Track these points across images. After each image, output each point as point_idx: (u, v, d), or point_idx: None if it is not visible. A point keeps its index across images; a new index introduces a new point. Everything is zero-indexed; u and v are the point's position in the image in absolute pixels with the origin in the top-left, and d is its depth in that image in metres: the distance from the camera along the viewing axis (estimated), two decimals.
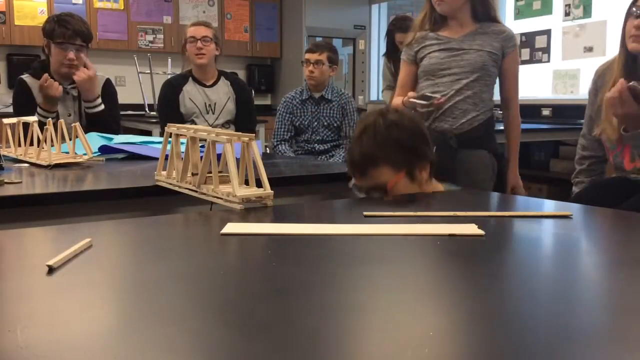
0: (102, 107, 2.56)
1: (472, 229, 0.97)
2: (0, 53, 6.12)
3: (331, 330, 0.57)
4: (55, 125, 1.92)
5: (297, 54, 6.77)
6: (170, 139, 1.36)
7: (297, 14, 7.15)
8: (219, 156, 1.20)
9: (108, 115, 2.58)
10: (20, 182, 1.56)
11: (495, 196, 1.61)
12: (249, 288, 0.71)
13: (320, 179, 1.85)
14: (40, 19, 5.57)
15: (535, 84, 5.19)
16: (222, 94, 3.02)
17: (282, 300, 0.66)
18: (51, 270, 0.74)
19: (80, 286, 0.71)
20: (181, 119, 2.93)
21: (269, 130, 4.15)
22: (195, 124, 2.93)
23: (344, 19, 7.28)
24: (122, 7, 6.52)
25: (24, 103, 2.53)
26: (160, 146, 1.57)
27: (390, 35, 4.11)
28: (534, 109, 5.03)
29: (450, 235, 0.94)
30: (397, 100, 2.33)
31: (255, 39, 7.29)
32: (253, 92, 3.96)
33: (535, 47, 5.32)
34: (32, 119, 1.98)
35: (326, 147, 3.33)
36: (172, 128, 1.36)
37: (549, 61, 5.24)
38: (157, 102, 3.40)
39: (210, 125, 2.93)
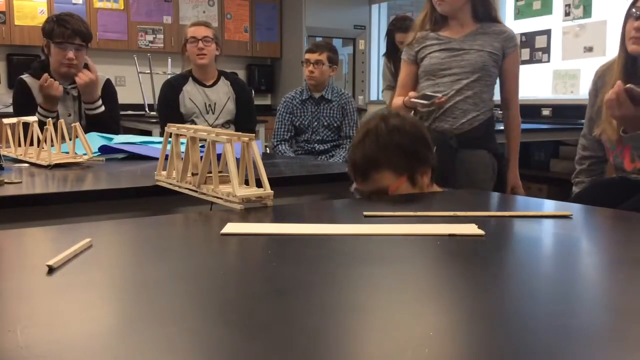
0: (103, 108, 2.56)
1: (472, 229, 0.97)
2: (0, 53, 6.12)
3: (331, 330, 0.57)
4: (55, 125, 1.92)
5: (297, 54, 6.77)
6: (170, 139, 1.36)
7: (297, 14, 7.15)
8: (219, 156, 1.20)
9: (108, 117, 2.58)
10: (20, 182, 1.56)
11: (495, 196, 1.61)
12: (249, 288, 0.71)
13: (320, 179, 1.85)
14: (40, 19, 5.57)
15: (535, 84, 5.19)
16: (222, 94, 3.02)
17: (282, 300, 0.66)
18: (51, 270, 0.74)
19: (80, 286, 0.71)
20: (181, 119, 2.93)
21: (269, 130, 4.15)
22: (195, 124, 2.93)
23: (344, 19, 7.28)
24: (122, 7, 6.52)
25: (24, 103, 2.53)
26: (160, 146, 1.57)
27: (390, 35, 4.11)
28: (534, 109, 5.03)
29: (450, 235, 0.94)
30: (398, 100, 2.33)
31: (255, 39, 7.30)
32: (253, 92, 3.96)
33: (535, 47, 5.32)
34: (32, 119, 1.98)
35: (326, 147, 3.33)
36: (172, 128, 1.36)
37: (549, 61, 5.24)
38: (157, 102, 3.40)
39: (210, 125, 2.93)
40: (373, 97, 7.50)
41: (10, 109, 2.97)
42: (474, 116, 2.26)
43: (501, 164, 2.35)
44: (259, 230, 0.98)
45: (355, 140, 1.49)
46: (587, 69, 4.81)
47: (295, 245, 0.90)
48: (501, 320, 0.61)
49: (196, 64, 2.96)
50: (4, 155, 1.83)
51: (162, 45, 6.74)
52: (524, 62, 5.19)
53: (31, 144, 1.94)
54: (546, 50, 5.25)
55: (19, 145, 2.05)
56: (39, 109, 2.47)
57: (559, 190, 4.47)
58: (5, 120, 2.15)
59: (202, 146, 1.30)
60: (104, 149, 2.07)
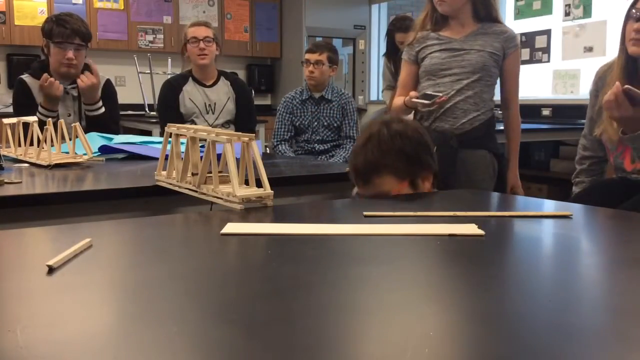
0: (103, 109, 2.56)
1: (472, 229, 0.97)
2: (0, 53, 6.12)
3: (331, 330, 0.57)
4: (55, 125, 1.92)
5: (297, 54, 6.77)
6: (170, 139, 1.36)
7: (297, 14, 7.15)
8: (219, 156, 1.20)
9: (108, 117, 2.58)
10: (20, 182, 1.56)
11: (495, 196, 1.61)
12: (249, 288, 0.71)
13: (320, 179, 1.85)
14: (40, 19, 5.56)
15: (535, 84, 5.19)
16: (222, 94, 3.02)
17: (282, 300, 0.66)
18: (51, 270, 0.74)
19: (80, 286, 0.71)
20: (181, 119, 2.93)
21: (269, 130, 4.15)
22: (195, 124, 2.93)
23: (344, 19, 7.28)
24: (122, 7, 6.52)
25: (24, 103, 2.53)
26: (160, 146, 1.57)
27: (390, 35, 4.11)
28: (534, 109, 5.03)
29: (450, 235, 0.94)
30: (399, 100, 2.33)
31: (255, 39, 7.30)
32: (253, 92, 3.96)
33: (535, 47, 5.32)
34: (32, 119, 1.98)
35: (326, 147, 3.33)
36: (172, 128, 1.36)
37: (549, 61, 5.24)
38: (157, 103, 3.40)
39: (210, 125, 2.93)
40: (373, 97, 7.50)
41: (10, 109, 2.97)
42: (474, 116, 2.26)
43: (501, 164, 2.35)
44: (259, 230, 0.98)
45: (357, 145, 1.50)
46: (587, 69, 4.81)
47: (295, 245, 0.90)
48: (501, 320, 0.61)
49: (197, 64, 2.96)
50: (4, 155, 1.83)
51: (162, 45, 6.74)
52: (524, 62, 5.19)
53: (31, 144, 1.94)
54: (546, 50, 5.25)
55: (19, 145, 2.05)
56: (39, 108, 2.47)
57: (559, 190, 4.47)
58: (5, 120, 2.15)
59: (202, 146, 1.30)
60: (104, 149, 2.07)
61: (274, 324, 0.58)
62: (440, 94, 2.19)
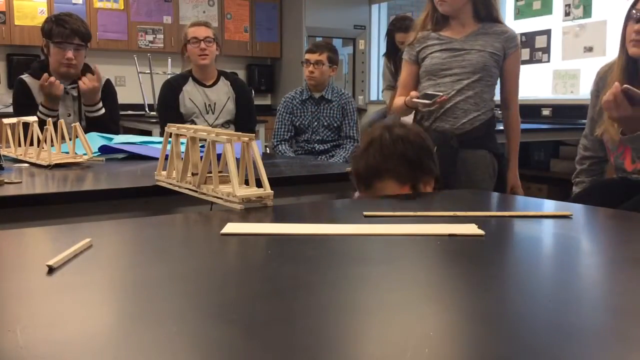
0: (103, 110, 2.56)
1: (472, 229, 0.97)
2: (0, 53, 6.12)
3: (331, 330, 0.57)
4: (55, 125, 1.92)
5: (297, 54, 6.77)
6: (170, 139, 1.36)
7: (297, 14, 7.15)
8: (219, 156, 1.20)
9: (108, 118, 2.58)
10: (20, 182, 1.56)
11: (495, 196, 1.61)
12: (249, 288, 0.71)
13: (320, 179, 1.85)
14: (40, 19, 5.57)
15: (535, 84, 5.19)
16: (222, 94, 3.02)
17: (282, 300, 0.66)
18: (51, 270, 0.74)
19: (80, 286, 0.71)
20: (181, 119, 2.93)
21: (269, 130, 4.15)
22: (195, 124, 2.93)
23: (344, 19, 7.28)
24: (122, 7, 6.52)
25: (24, 103, 2.53)
26: (160, 146, 1.57)
27: (390, 35, 4.11)
28: (534, 109, 5.03)
29: (450, 235, 0.94)
30: (399, 100, 2.33)
31: (255, 39, 7.30)
32: (253, 92, 3.96)
33: (535, 47, 5.32)
34: (32, 119, 1.98)
35: (326, 147, 3.33)
36: (172, 128, 1.36)
37: (549, 61, 5.24)
38: (156, 103, 3.40)
39: (210, 125, 2.93)
40: (373, 97, 7.50)
41: (10, 109, 2.97)
42: (474, 116, 2.26)
43: (502, 164, 2.35)
44: (259, 230, 0.98)
45: (359, 149, 1.50)
46: (587, 69, 4.81)
47: (295, 245, 0.90)
48: (501, 320, 0.61)
49: (198, 64, 2.96)
50: (4, 155, 1.83)
51: (162, 45, 6.74)
52: (524, 62, 5.19)
53: (31, 144, 1.94)
54: (546, 50, 5.25)
55: (19, 145, 2.05)
56: (40, 107, 2.47)
57: (559, 190, 4.47)
58: (5, 120, 2.15)
59: (202, 146, 1.30)
60: (104, 149, 2.07)
61: (274, 324, 0.58)
62: (441, 94, 2.19)
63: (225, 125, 3.01)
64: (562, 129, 4.25)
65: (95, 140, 2.19)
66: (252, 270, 0.81)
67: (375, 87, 7.48)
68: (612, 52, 4.43)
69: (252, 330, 0.56)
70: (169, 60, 5.38)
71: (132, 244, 0.97)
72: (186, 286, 0.71)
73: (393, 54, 4.09)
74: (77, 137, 1.91)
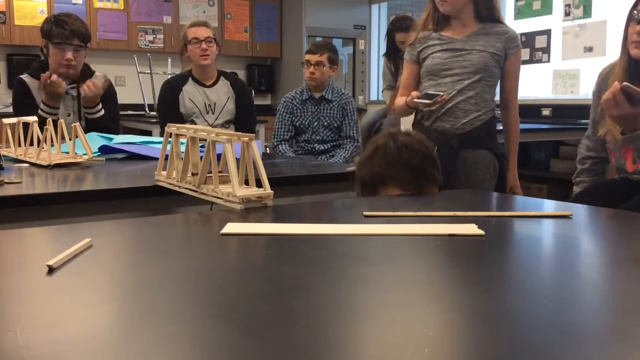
0: (102, 112, 2.56)
1: (472, 229, 0.97)
2: (0, 53, 6.12)
3: (331, 330, 0.57)
4: (55, 125, 1.92)
5: (297, 54, 6.78)
6: (170, 139, 1.36)
7: (297, 14, 7.15)
8: (219, 156, 1.20)
9: (108, 119, 2.58)
10: (20, 182, 1.56)
11: (495, 196, 1.61)
12: (249, 288, 0.71)
13: (320, 179, 1.85)
14: (40, 19, 5.55)
15: (535, 84, 5.19)
16: (222, 94, 3.02)
17: (282, 300, 0.66)
18: (51, 270, 0.74)
19: (80, 286, 0.71)
20: (181, 119, 2.93)
21: (269, 130, 4.15)
22: (195, 124, 2.93)
23: (344, 19, 7.28)
24: (122, 7, 6.52)
25: (23, 103, 2.53)
26: (160, 146, 1.57)
27: (390, 35, 4.11)
28: (534, 109, 5.03)
29: (450, 235, 0.94)
30: (401, 100, 2.33)
31: (255, 39, 7.30)
32: (253, 92, 3.96)
33: (535, 47, 5.32)
34: (32, 119, 1.98)
35: (326, 147, 3.33)
36: (172, 128, 1.36)
37: (549, 61, 5.24)
38: (156, 103, 3.40)
39: (210, 125, 2.93)
40: (373, 97, 7.50)
41: (10, 109, 2.97)
42: (475, 116, 2.26)
43: (502, 164, 2.35)
44: (259, 230, 0.98)
45: (364, 156, 1.52)
46: (587, 69, 4.81)
47: (295, 245, 0.90)
48: (501, 320, 0.61)
49: (199, 64, 2.96)
50: (4, 155, 1.83)
51: (162, 45, 6.74)
52: (524, 62, 5.17)
53: (31, 144, 1.94)
54: (546, 50, 5.25)
55: (19, 145, 2.05)
56: (41, 105, 2.47)
57: (559, 190, 4.47)
58: (5, 120, 2.15)
59: (202, 146, 1.30)
60: (104, 149, 2.07)
61: (274, 324, 0.58)
62: (441, 94, 2.19)
63: (225, 125, 3.01)
64: (562, 129, 4.24)
65: (95, 140, 2.19)
66: (252, 270, 0.81)
67: (375, 87, 7.47)
68: (612, 52, 4.44)
69: (252, 330, 0.56)
70: (169, 60, 5.38)
71: (132, 244, 0.97)
72: (186, 286, 0.71)
73: (393, 54, 4.08)
74: (77, 137, 1.91)
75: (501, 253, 0.92)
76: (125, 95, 4.56)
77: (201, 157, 1.27)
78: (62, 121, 1.90)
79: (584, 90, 4.88)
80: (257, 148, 1.21)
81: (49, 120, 2.00)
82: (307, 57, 3.32)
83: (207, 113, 2.99)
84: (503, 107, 2.42)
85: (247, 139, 1.19)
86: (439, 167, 1.50)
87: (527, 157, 4.90)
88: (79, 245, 0.83)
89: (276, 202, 1.20)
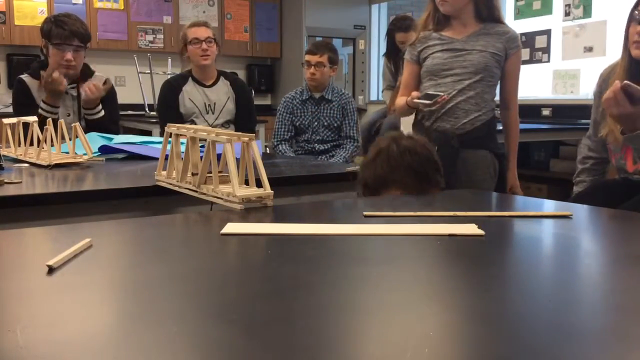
0: (102, 113, 2.56)
1: (472, 229, 0.97)
2: (0, 53, 6.12)
3: (331, 330, 0.57)
4: (55, 125, 1.92)
5: (297, 54, 6.78)
6: (170, 139, 1.36)
7: (297, 14, 7.15)
8: (219, 156, 1.20)
9: (107, 119, 2.58)
10: (20, 182, 1.56)
11: (495, 196, 1.61)
12: (249, 288, 0.71)
13: (320, 179, 1.85)
14: (40, 19, 5.54)
15: (535, 84, 5.19)
16: (222, 94, 3.02)
17: (282, 300, 0.66)
18: (51, 270, 0.74)
19: (80, 286, 0.71)
20: (181, 119, 2.93)
21: (269, 130, 4.15)
22: (195, 124, 2.93)
23: (344, 19, 7.28)
24: (122, 7, 6.52)
25: (23, 102, 2.53)
26: (160, 146, 1.57)
27: (390, 35, 4.11)
28: (534, 109, 5.03)
29: (450, 235, 0.94)
30: (401, 100, 2.34)
31: (255, 39, 7.30)
32: (253, 92, 3.96)
33: (535, 47, 5.32)
34: (32, 119, 1.98)
35: (326, 147, 3.33)
36: (172, 128, 1.36)
37: (549, 61, 5.24)
38: (156, 103, 3.40)
39: (210, 125, 2.93)
40: (373, 97, 7.50)
41: (10, 109, 2.97)
42: (475, 116, 2.26)
43: (502, 164, 2.35)
44: (259, 230, 0.98)
45: (367, 159, 1.53)
46: (587, 69, 4.81)
47: (295, 245, 0.90)
48: (501, 320, 0.61)
49: (200, 64, 2.96)
50: (4, 155, 1.83)
51: (162, 45, 6.74)
52: (524, 62, 5.17)
53: (31, 144, 1.94)
54: (546, 50, 5.25)
55: (19, 145, 2.05)
56: (42, 104, 2.46)
57: (559, 190, 4.47)
58: (5, 120, 2.15)
59: (202, 146, 1.30)
60: (104, 149, 2.07)
61: (274, 324, 0.58)
62: (442, 94, 2.19)
63: (225, 125, 3.01)
64: (562, 129, 4.24)
65: (95, 140, 2.19)
66: (252, 270, 0.81)
67: (375, 87, 7.48)
68: (612, 52, 4.44)
69: (252, 330, 0.56)
70: (169, 60, 5.38)
71: (132, 244, 0.97)
72: (186, 286, 0.71)
73: (393, 53, 4.08)
74: (77, 137, 1.91)
75: (501, 253, 0.92)
76: (125, 95, 4.55)
77: (201, 157, 1.27)
78: (62, 121, 1.90)
79: (584, 90, 4.88)
80: (257, 148, 1.21)
81: (49, 120, 2.00)
82: (307, 57, 3.32)
83: (207, 113, 2.99)
84: (503, 107, 2.42)
85: (247, 139, 1.19)
86: (442, 171, 1.51)
87: (527, 157, 4.90)
88: (79, 245, 0.83)
89: (276, 202, 1.20)
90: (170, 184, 1.37)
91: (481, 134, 2.27)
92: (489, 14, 2.29)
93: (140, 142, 2.22)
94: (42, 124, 1.97)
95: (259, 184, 1.19)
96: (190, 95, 2.98)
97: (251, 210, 1.14)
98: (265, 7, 7.31)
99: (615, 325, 0.60)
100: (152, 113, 4.73)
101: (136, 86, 5.33)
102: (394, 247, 0.90)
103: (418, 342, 0.54)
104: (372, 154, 1.52)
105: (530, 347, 0.53)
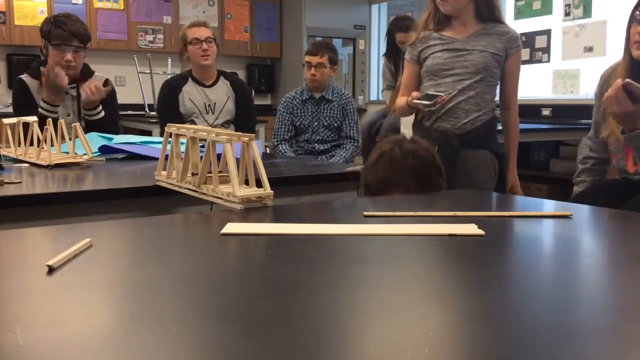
0: (102, 114, 2.55)
1: (472, 229, 0.97)
2: (0, 53, 6.12)
3: (331, 330, 0.57)
4: (55, 125, 1.92)
5: (297, 54, 6.78)
6: (170, 139, 1.36)
7: (297, 14, 7.15)
8: (219, 156, 1.20)
9: (107, 120, 2.58)
10: (20, 182, 1.56)
11: (495, 196, 1.61)
12: (249, 288, 0.71)
13: (320, 179, 1.85)
14: (40, 19, 5.53)
15: (535, 84, 5.19)
16: (222, 94, 3.02)
17: (282, 300, 0.66)
18: (51, 270, 0.74)
19: (80, 286, 0.71)
20: (181, 119, 2.93)
21: (269, 130, 4.15)
22: (195, 124, 2.93)
23: (344, 19, 7.28)
24: (122, 7, 6.52)
25: (23, 102, 2.53)
26: (160, 146, 1.57)
27: (390, 35, 4.11)
28: (534, 109, 5.03)
29: (450, 235, 0.94)
30: (401, 100, 2.34)
31: (255, 39, 7.30)
32: (253, 92, 3.96)
33: (535, 47, 5.32)
34: (32, 119, 1.98)
35: (326, 147, 3.33)
36: (172, 128, 1.36)
37: (549, 61, 5.24)
38: (156, 103, 3.40)
39: (210, 125, 2.93)
40: (373, 97, 7.50)
41: (10, 109, 2.97)
42: (476, 116, 2.26)
43: (502, 164, 2.35)
44: (259, 230, 0.98)
45: (369, 162, 1.54)
46: (587, 69, 4.81)
47: (295, 245, 0.90)
48: (501, 320, 0.61)
49: (200, 65, 2.95)
50: (4, 155, 1.83)
51: (162, 45, 6.74)
52: (524, 62, 5.17)
53: (31, 144, 1.94)
54: (546, 50, 5.25)
55: (19, 145, 2.05)
56: (41, 103, 2.46)
57: (559, 190, 4.47)
58: (5, 120, 2.14)
59: (202, 146, 1.30)
60: (104, 149, 2.07)
61: (274, 324, 0.58)
62: (442, 94, 2.19)
63: (225, 125, 3.01)
64: (562, 129, 4.24)
65: (95, 140, 2.19)
66: (252, 270, 0.81)
67: (375, 87, 7.48)
68: (612, 52, 4.44)
69: (252, 330, 0.56)
70: (169, 60, 5.38)
71: (132, 244, 0.97)
72: (186, 286, 0.71)
73: (393, 53, 4.09)
74: (77, 137, 1.91)
75: (501, 253, 0.92)
76: (125, 95, 4.55)
77: (201, 157, 1.27)
78: (62, 121, 1.90)
79: (584, 90, 4.88)
80: (257, 148, 1.21)
81: (49, 120, 2.00)
82: (308, 58, 3.32)
83: (207, 113, 2.99)
84: (503, 107, 2.42)
85: (247, 139, 1.19)
86: (444, 174, 1.52)
87: (527, 157, 4.91)
88: (79, 245, 0.83)
89: (276, 202, 1.20)
90: (170, 184, 1.37)
91: (481, 134, 2.27)
92: (489, 14, 2.29)
93: (140, 142, 2.22)
94: (42, 124, 1.97)
95: (259, 184, 1.19)
96: (190, 95, 2.98)
97: (251, 210, 1.14)
98: (265, 7, 7.31)
99: (615, 325, 0.60)
100: (152, 113, 4.72)
101: (136, 86, 5.33)
102: (394, 247, 0.90)
103: (418, 342, 0.53)
104: (374, 156, 1.53)
105: (530, 347, 0.53)
